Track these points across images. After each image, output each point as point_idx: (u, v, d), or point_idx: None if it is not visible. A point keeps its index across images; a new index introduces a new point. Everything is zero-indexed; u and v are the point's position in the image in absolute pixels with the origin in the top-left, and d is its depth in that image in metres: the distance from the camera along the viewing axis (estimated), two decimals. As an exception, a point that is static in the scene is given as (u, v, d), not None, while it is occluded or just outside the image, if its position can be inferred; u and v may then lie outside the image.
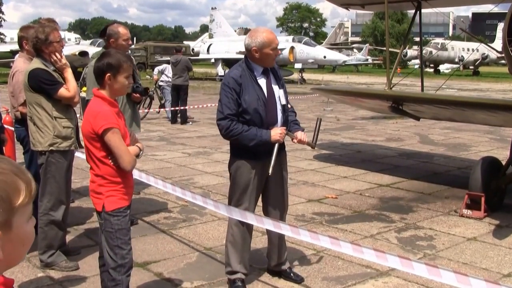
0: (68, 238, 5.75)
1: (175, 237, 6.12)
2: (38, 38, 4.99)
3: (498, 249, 5.91)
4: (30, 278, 4.89)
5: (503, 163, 7.60)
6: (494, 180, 7.25)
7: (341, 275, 5.11)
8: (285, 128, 4.56)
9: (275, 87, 4.63)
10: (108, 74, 3.75)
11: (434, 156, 11.74)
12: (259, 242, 5.79)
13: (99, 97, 3.80)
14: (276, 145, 4.45)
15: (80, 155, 6.54)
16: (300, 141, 4.62)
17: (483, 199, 7.00)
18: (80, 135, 5.71)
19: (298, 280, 4.93)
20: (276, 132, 4.45)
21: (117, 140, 3.69)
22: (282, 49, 39.04)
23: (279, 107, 4.60)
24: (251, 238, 4.89)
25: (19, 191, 1.45)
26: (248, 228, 4.75)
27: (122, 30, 6.13)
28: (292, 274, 4.98)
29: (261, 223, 4.52)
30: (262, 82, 4.55)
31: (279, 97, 4.61)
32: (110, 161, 3.72)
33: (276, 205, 4.82)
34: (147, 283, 4.79)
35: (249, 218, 4.53)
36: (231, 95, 4.44)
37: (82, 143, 4.05)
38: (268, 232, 4.94)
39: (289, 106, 4.76)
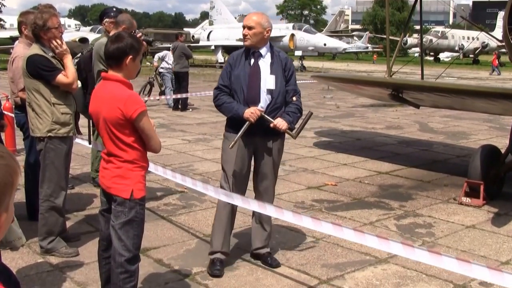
0: (68, 224, 5.75)
1: (174, 223, 6.14)
2: (37, 24, 4.97)
3: (497, 237, 5.93)
4: (30, 264, 4.90)
5: (502, 151, 7.61)
6: (493, 168, 7.26)
7: (340, 262, 5.13)
8: (259, 109, 4.63)
9: (265, 71, 4.74)
10: (131, 57, 3.61)
11: (433, 144, 11.74)
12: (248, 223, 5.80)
13: (117, 80, 3.62)
14: (246, 123, 4.59)
15: (79, 141, 6.55)
16: (276, 127, 4.64)
17: (482, 187, 7.02)
18: (80, 122, 5.74)
19: (274, 265, 4.97)
20: (249, 110, 4.59)
21: (149, 122, 3.62)
22: (282, 37, 39.02)
23: (263, 90, 4.71)
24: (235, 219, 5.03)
25: (17, 174, 1.47)
26: (233, 209, 4.91)
27: (135, 23, 6.60)
28: (269, 259, 5.01)
29: (264, 208, 4.52)
30: (251, 62, 4.78)
31: (266, 80, 4.71)
32: (137, 144, 3.61)
33: (262, 189, 4.95)
34: (147, 269, 4.79)
35: (252, 204, 4.53)
36: (226, 68, 4.87)
37: (83, 131, 3.97)
38: (253, 216, 5.07)
39: (294, 99, 4.82)
